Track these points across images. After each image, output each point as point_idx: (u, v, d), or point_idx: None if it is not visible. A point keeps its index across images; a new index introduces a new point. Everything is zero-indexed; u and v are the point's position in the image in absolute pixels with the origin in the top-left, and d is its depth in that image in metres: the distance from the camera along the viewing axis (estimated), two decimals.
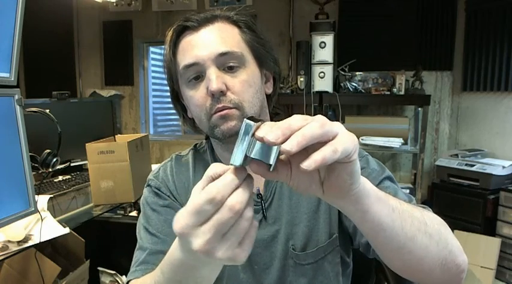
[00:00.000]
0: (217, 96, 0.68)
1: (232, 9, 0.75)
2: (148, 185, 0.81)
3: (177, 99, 0.82)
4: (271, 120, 0.77)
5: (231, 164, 0.41)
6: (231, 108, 0.68)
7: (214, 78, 0.67)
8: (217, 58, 0.69)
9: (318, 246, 0.75)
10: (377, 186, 0.70)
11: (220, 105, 0.68)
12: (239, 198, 0.39)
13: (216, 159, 0.80)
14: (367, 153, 0.82)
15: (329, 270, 0.76)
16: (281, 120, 0.41)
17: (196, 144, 0.87)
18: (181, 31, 0.73)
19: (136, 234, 0.77)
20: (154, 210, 0.76)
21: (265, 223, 0.76)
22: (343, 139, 0.40)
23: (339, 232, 0.77)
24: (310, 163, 0.38)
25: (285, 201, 0.76)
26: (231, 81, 0.69)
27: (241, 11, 0.76)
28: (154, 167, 0.86)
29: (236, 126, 0.68)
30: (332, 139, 0.40)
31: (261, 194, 0.76)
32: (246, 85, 0.70)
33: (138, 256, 0.73)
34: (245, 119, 0.42)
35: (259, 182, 0.77)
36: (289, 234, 0.75)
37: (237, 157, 0.41)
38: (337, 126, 0.41)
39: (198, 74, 0.70)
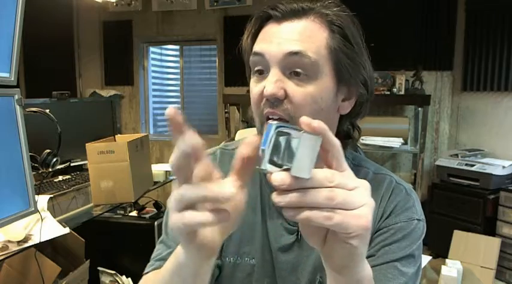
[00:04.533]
0: (271, 100, 0.59)
1: (335, 5, 0.63)
2: None
3: None
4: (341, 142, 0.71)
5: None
6: (283, 118, 0.60)
7: (273, 81, 0.59)
8: (286, 57, 0.59)
9: None
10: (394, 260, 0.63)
11: (271, 110, 0.59)
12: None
13: None
14: (423, 219, 0.69)
15: None
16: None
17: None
18: (267, 18, 0.64)
19: (163, 225, 0.72)
20: None
21: (298, 246, 0.69)
22: (350, 216, 0.39)
23: None
24: (291, 214, 0.39)
25: None
26: (293, 90, 0.59)
27: (343, 12, 0.63)
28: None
29: None
30: (344, 209, 0.39)
31: None
32: (310, 99, 0.60)
33: (160, 250, 0.69)
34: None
35: None
36: (319, 265, 0.66)
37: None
38: (358, 202, 0.39)
39: (263, 68, 0.62)
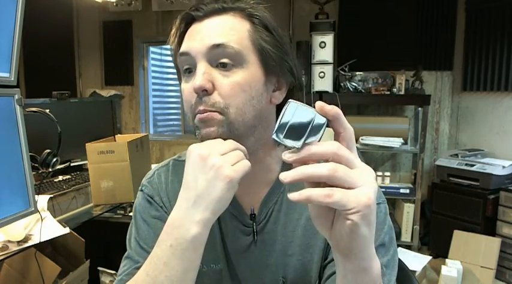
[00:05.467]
0: (200, 94, 0.60)
1: (258, 3, 0.65)
2: (142, 190, 0.75)
3: None
4: None
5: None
6: (213, 111, 0.60)
7: (200, 73, 0.60)
8: (210, 51, 0.61)
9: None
10: None
11: (201, 108, 0.60)
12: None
13: None
14: (383, 201, 0.69)
15: None
16: None
17: None
18: (191, 20, 0.65)
19: (127, 240, 0.72)
20: (145, 221, 0.71)
21: (255, 247, 0.70)
22: (350, 193, 0.41)
23: None
24: (294, 195, 0.41)
25: (279, 227, 0.69)
26: (220, 81, 0.60)
27: (260, 6, 0.66)
28: (153, 167, 0.81)
29: (215, 132, 0.60)
30: (345, 187, 0.41)
31: (254, 214, 0.69)
32: (238, 88, 0.61)
33: (127, 265, 0.68)
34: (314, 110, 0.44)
35: (254, 203, 0.70)
36: (280, 265, 0.69)
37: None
38: (359, 181, 0.42)
39: (190, 67, 0.63)
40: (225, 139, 0.60)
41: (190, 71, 0.63)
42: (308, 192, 0.41)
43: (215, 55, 0.61)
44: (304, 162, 0.43)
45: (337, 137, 0.45)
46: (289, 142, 0.44)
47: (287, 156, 0.43)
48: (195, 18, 0.64)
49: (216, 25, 0.62)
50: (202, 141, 0.61)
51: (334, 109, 0.44)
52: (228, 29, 0.62)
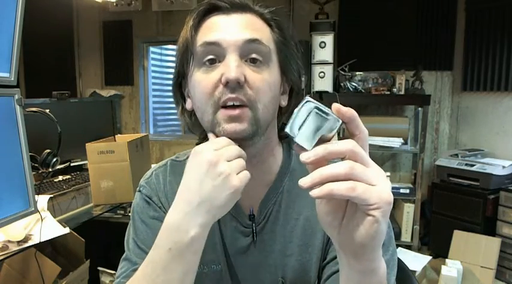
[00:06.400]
0: (232, 86, 0.58)
1: (266, 6, 0.66)
2: (140, 191, 0.75)
3: (179, 85, 0.70)
4: (278, 136, 0.72)
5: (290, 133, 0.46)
6: (244, 106, 0.59)
7: (235, 65, 0.58)
8: (244, 45, 0.60)
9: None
10: None
11: (233, 95, 0.58)
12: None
13: None
14: None
15: None
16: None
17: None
18: (210, 11, 0.64)
19: (125, 242, 0.72)
20: (143, 221, 0.71)
21: (254, 248, 0.70)
22: (372, 189, 0.41)
23: None
24: (315, 191, 0.41)
25: (278, 228, 0.70)
26: (252, 75, 0.60)
27: (276, 10, 0.67)
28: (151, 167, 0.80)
29: (245, 131, 0.59)
30: (364, 183, 0.41)
31: (253, 215, 0.70)
32: (266, 85, 0.61)
33: (125, 267, 0.68)
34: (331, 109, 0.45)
35: (253, 203, 0.70)
36: (279, 265, 0.69)
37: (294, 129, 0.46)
38: (376, 178, 0.42)
39: (215, 57, 0.61)
40: (250, 138, 0.60)
41: (213, 61, 0.61)
42: (330, 186, 0.40)
43: (248, 49, 0.61)
44: (320, 161, 0.43)
45: (352, 139, 0.45)
46: (302, 139, 0.44)
47: (305, 157, 0.43)
48: (221, 9, 0.63)
49: (247, 21, 0.63)
50: (224, 135, 0.59)
51: (350, 111, 0.44)
52: (258, 27, 0.63)
